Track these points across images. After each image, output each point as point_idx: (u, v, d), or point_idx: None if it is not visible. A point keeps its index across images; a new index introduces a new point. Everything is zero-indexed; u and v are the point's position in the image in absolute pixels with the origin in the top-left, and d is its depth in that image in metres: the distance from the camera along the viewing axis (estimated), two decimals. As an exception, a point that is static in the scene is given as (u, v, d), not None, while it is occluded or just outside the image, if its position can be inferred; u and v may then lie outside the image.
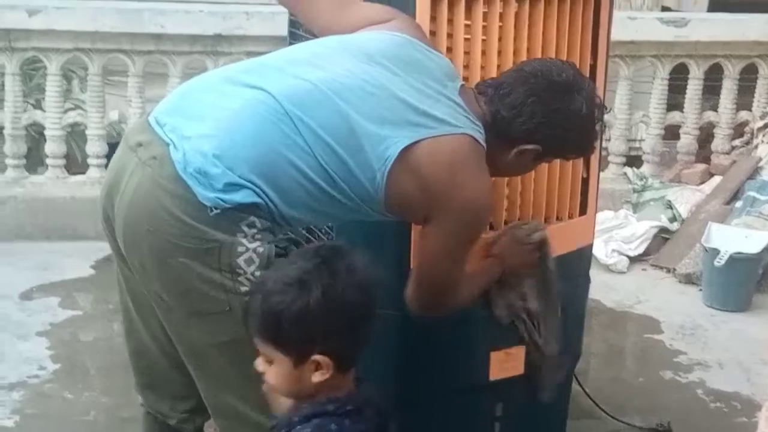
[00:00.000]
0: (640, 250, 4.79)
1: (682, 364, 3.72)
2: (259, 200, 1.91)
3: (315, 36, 2.31)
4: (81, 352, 3.61)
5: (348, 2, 2.30)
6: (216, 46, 4.77)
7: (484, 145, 2.09)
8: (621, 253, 4.72)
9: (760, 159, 5.07)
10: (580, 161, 2.57)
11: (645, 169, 5.41)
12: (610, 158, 5.40)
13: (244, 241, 1.91)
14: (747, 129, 5.50)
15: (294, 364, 1.67)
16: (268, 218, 1.95)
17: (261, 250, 1.91)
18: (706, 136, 5.59)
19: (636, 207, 5.13)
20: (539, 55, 2.39)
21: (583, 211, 2.64)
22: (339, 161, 1.97)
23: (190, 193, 1.89)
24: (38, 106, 5.16)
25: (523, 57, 2.37)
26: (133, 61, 4.78)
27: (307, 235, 2.59)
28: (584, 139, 2.19)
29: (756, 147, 5.25)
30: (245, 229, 1.91)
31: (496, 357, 2.51)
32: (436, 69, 2.12)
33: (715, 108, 5.59)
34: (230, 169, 1.89)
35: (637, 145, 5.64)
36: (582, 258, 2.77)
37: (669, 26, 5.21)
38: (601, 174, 5.31)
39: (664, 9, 7.89)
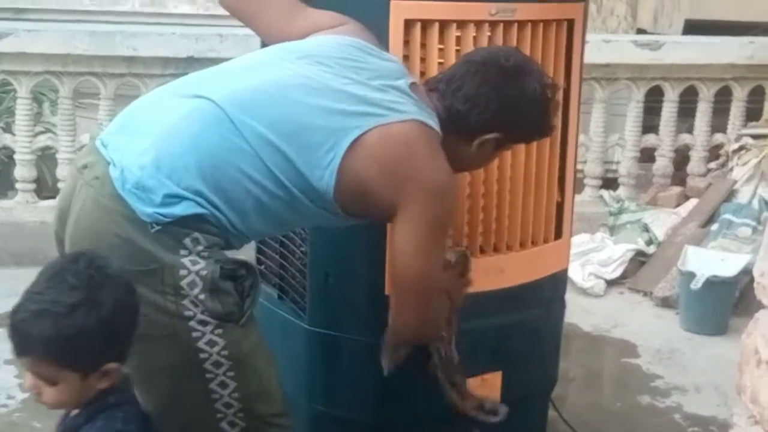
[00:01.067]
0: (617, 273, 4.77)
1: (659, 389, 3.69)
2: (202, 210, 1.86)
3: None
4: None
5: (297, 10, 2.27)
6: (188, 69, 4.70)
7: (439, 131, 2.07)
8: (598, 277, 4.70)
9: (736, 181, 5.08)
10: (555, 186, 2.56)
11: (621, 191, 5.42)
12: (586, 181, 5.40)
13: (186, 262, 1.84)
14: (722, 151, 5.52)
15: (82, 378, 1.70)
16: (215, 232, 1.89)
17: (204, 272, 1.84)
18: (681, 158, 5.60)
19: (612, 230, 5.12)
20: None
21: (558, 235, 2.63)
22: (286, 161, 1.92)
23: (129, 209, 1.84)
24: (8, 129, 5.11)
25: None
26: (105, 84, 4.74)
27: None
28: (542, 120, 2.18)
29: (731, 169, 5.25)
30: (189, 245, 1.85)
31: (472, 383, 2.49)
32: (385, 68, 2.10)
33: (690, 130, 5.60)
34: (169, 178, 1.84)
35: (613, 167, 5.65)
36: (557, 282, 2.76)
37: (644, 49, 5.23)
38: (578, 197, 5.33)
39: (640, 31, 7.95)
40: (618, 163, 5.55)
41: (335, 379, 2.54)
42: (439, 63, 2.32)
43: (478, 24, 2.33)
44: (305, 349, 2.56)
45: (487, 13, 2.32)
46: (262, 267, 2.71)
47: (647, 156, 5.58)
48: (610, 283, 4.73)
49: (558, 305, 2.81)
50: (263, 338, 2.00)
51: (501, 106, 2.09)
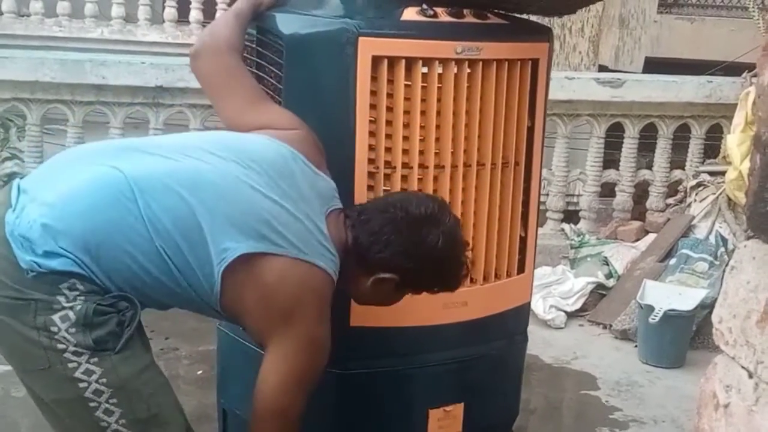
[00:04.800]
0: (578, 305, 4.85)
1: (618, 421, 3.75)
2: (79, 270, 1.90)
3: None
4: (13, 407, 3.52)
5: (258, 103, 2.30)
6: (158, 98, 4.77)
7: (335, 278, 2.09)
8: (559, 309, 4.77)
9: (694, 217, 5.18)
10: (518, 221, 2.61)
11: (582, 225, 5.51)
12: (548, 214, 5.48)
13: (61, 299, 1.89)
14: (681, 187, 5.63)
15: None
16: (92, 282, 1.92)
17: (79, 307, 1.89)
18: (641, 192, 5.71)
19: (573, 263, 5.21)
20: (478, 116, 2.44)
21: (521, 269, 2.67)
22: (178, 252, 1.95)
23: (11, 254, 1.89)
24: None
25: (462, 118, 2.42)
26: (73, 111, 4.75)
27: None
28: (443, 273, 2.18)
29: (689, 205, 5.37)
30: (66, 291, 1.90)
31: (434, 415, 2.52)
32: (309, 188, 2.12)
33: (650, 164, 5.71)
34: (53, 237, 1.89)
35: (574, 200, 5.74)
36: (520, 316, 2.80)
37: (605, 86, 5.34)
38: (540, 230, 5.40)
39: (601, 67, 8.10)
40: (579, 196, 5.65)
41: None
42: (406, 99, 2.36)
43: (444, 62, 2.38)
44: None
45: (453, 51, 2.37)
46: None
47: (608, 190, 5.68)
48: (571, 316, 4.80)
49: (520, 338, 2.85)
50: (151, 366, 2.03)
51: (400, 248, 2.11)
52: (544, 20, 2.85)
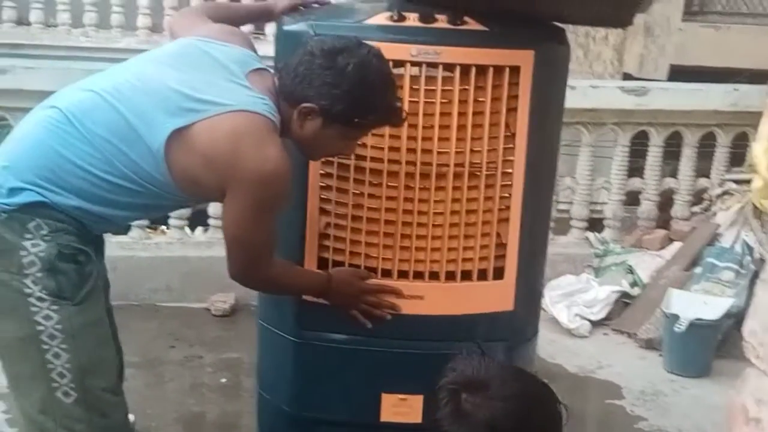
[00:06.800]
0: (602, 314, 4.83)
1: (643, 431, 3.73)
2: (42, 199, 2.14)
3: None
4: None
5: (198, 24, 2.49)
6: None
7: (273, 118, 2.23)
8: (583, 318, 4.75)
9: (719, 226, 5.15)
10: (494, 225, 2.56)
11: (606, 233, 5.48)
12: (572, 223, 5.47)
13: (27, 244, 2.13)
14: (706, 196, 5.60)
15: None
16: (61, 218, 2.16)
17: (42, 254, 2.13)
18: (666, 200, 5.68)
19: (598, 271, 5.18)
20: (455, 125, 2.46)
21: (498, 275, 2.61)
22: (122, 154, 2.18)
23: None
24: None
25: (435, 125, 2.45)
26: (100, 120, 4.77)
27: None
28: (362, 99, 2.24)
29: (715, 214, 5.33)
30: (32, 230, 2.14)
31: (388, 400, 2.55)
32: (223, 57, 2.29)
33: (674, 172, 5.68)
34: (13, 174, 2.15)
35: (598, 208, 5.72)
36: (496, 322, 2.67)
37: (630, 95, 5.31)
38: (564, 238, 5.42)
39: (626, 75, 8.07)
40: (604, 204, 5.62)
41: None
42: None
43: (401, 63, 2.42)
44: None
45: (408, 53, 2.42)
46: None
47: (632, 199, 5.65)
48: (595, 324, 4.78)
49: (498, 347, 2.59)
50: (101, 321, 2.30)
51: (315, 76, 2.23)
52: (570, 29, 2.80)
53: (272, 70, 2.37)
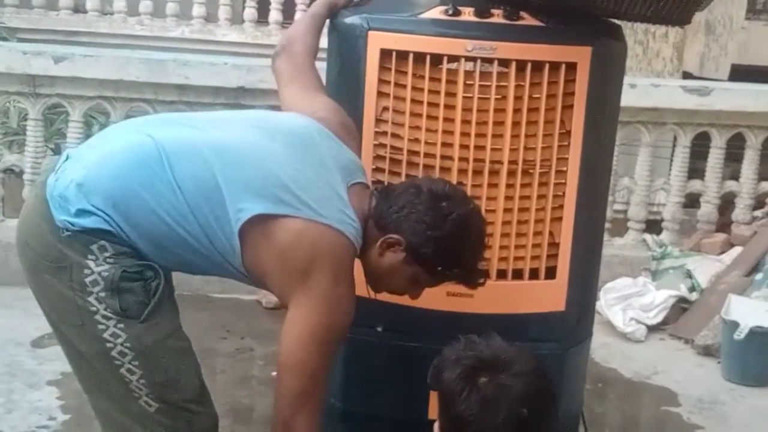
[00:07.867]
0: (659, 319, 4.73)
1: (700, 439, 3.66)
2: (108, 227, 2.06)
3: None
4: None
5: (313, 94, 2.45)
6: (239, 99, 4.78)
7: (356, 243, 2.16)
8: (639, 322, 4.66)
9: (782, 231, 5.03)
10: (546, 223, 2.54)
11: (664, 236, 5.38)
12: (629, 224, 5.38)
13: (91, 263, 2.06)
14: (768, 200, 5.48)
15: None
16: (122, 243, 2.08)
17: (106, 274, 2.06)
18: (726, 204, 5.56)
19: (655, 275, 5.08)
20: (509, 121, 2.46)
21: (550, 275, 2.58)
22: (201, 211, 2.09)
23: (50, 214, 2.08)
24: (57, 151, 5.18)
25: (476, 115, 2.45)
26: (156, 110, 4.79)
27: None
28: (453, 252, 2.17)
29: (777, 218, 5.21)
30: (96, 251, 2.06)
31: (436, 398, 2.51)
32: (333, 160, 2.22)
33: (736, 175, 5.56)
34: (86, 197, 2.06)
35: (656, 209, 5.62)
36: (548, 323, 2.66)
37: (692, 95, 5.20)
38: (621, 240, 5.33)
39: (686, 74, 7.94)
40: (663, 205, 5.52)
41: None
42: (419, 90, 2.44)
43: (456, 58, 2.42)
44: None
45: (464, 49, 2.42)
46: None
47: (691, 201, 5.54)
48: (651, 329, 4.69)
49: (548, 347, 2.64)
50: (174, 334, 2.18)
51: (413, 212, 2.16)
52: (628, 25, 2.75)
53: (371, 187, 2.32)
